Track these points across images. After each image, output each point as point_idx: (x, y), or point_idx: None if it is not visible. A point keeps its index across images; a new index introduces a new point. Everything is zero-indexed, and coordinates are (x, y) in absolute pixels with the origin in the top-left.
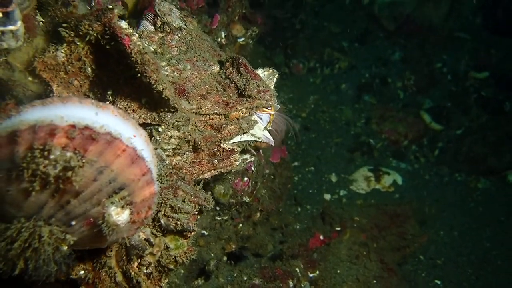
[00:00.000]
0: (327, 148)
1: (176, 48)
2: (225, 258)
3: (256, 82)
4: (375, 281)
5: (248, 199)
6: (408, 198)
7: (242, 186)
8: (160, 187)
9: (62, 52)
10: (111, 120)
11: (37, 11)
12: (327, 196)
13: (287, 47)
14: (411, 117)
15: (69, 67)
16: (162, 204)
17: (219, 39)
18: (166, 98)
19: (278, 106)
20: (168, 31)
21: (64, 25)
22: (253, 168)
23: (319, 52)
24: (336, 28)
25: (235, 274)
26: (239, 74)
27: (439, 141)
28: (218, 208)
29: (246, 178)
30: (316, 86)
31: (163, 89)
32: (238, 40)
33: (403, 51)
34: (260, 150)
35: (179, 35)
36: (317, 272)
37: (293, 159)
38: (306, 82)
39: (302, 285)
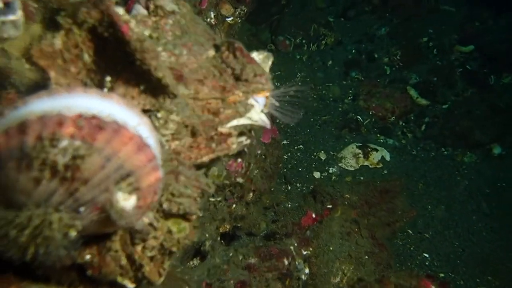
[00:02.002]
0: (315, 126)
1: (170, 33)
2: (219, 239)
3: (252, 66)
4: (366, 257)
5: (242, 180)
6: (396, 174)
7: (236, 167)
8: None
9: (59, 40)
10: (116, 109)
11: None
12: (317, 174)
13: (273, 23)
14: (398, 92)
15: (66, 54)
16: (165, 190)
17: (208, 20)
18: (165, 84)
19: (273, 87)
20: (162, 15)
21: (62, 13)
22: (246, 150)
23: (305, 28)
24: (322, 3)
25: (231, 254)
26: (235, 59)
27: (426, 116)
28: (211, 192)
29: (239, 160)
30: (303, 63)
31: (162, 76)
32: (227, 19)
33: (389, 26)
34: (252, 131)
35: (173, 19)
36: (311, 249)
37: (282, 138)
38: (293, 59)
39: (297, 262)
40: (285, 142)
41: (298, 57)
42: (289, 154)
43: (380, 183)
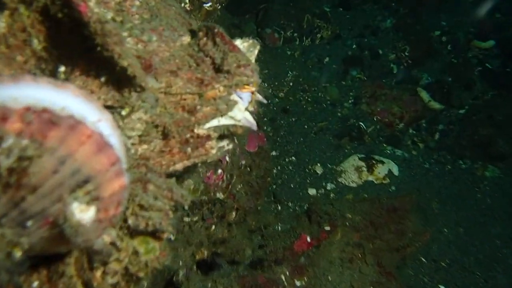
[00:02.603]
0: (310, 134)
1: (137, 16)
2: (196, 267)
3: (235, 55)
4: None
5: (222, 196)
6: (406, 190)
7: (215, 180)
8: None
9: (2, 22)
10: (73, 101)
11: None
12: (312, 191)
13: (259, 13)
14: (406, 95)
15: (11, 39)
16: (130, 201)
17: (182, 5)
18: (132, 75)
19: (260, 81)
20: None
21: None
22: (227, 159)
23: (297, 19)
24: None
25: (209, 285)
26: (215, 46)
27: (440, 123)
28: (186, 207)
29: (220, 171)
30: (295, 60)
31: (128, 64)
32: (204, 5)
33: (395, 17)
34: (235, 137)
35: (140, 0)
36: (305, 279)
37: (271, 148)
38: (283, 56)
39: None
40: (274, 153)
41: (289, 53)
42: (279, 167)
43: (387, 201)
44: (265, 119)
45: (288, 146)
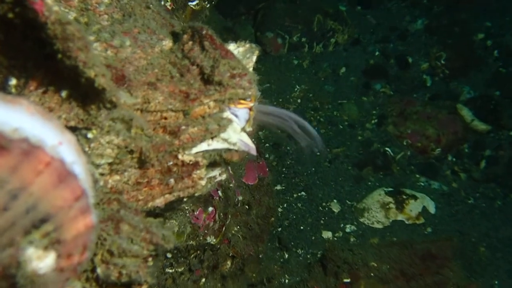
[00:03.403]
0: (323, 163)
1: (106, 16)
2: None
3: (228, 63)
4: None
5: (214, 240)
6: (445, 232)
7: (205, 220)
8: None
9: None
10: (27, 120)
11: None
12: (328, 234)
13: (257, 13)
14: (443, 113)
15: None
16: (99, 245)
17: (162, 3)
18: (100, 88)
19: (259, 94)
20: None
21: None
22: (220, 193)
23: (306, 20)
24: None
25: None
26: (204, 52)
27: (486, 148)
28: (169, 255)
29: (210, 208)
30: (303, 71)
31: (95, 75)
32: (190, 4)
33: (427, 17)
34: (229, 166)
35: None
36: None
37: (275, 181)
38: (288, 66)
39: None
40: (279, 187)
41: (295, 62)
42: (285, 205)
43: (422, 246)
44: (267, 144)
45: (296, 178)
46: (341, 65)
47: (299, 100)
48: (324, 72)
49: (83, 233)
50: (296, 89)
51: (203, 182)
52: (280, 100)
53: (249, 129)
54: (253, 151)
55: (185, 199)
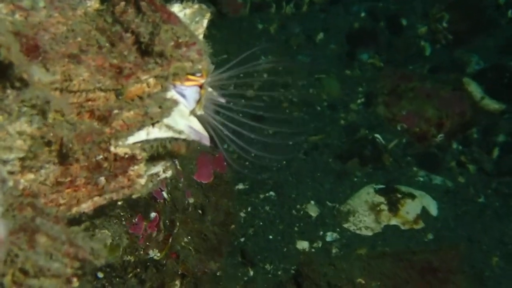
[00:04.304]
0: (298, 155)
1: None
2: None
3: (172, 29)
4: None
5: (159, 255)
6: (450, 239)
7: (146, 229)
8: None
9: None
10: None
11: None
12: (303, 245)
13: None
14: (447, 89)
15: None
16: (9, 263)
17: None
18: (6, 62)
19: (212, 67)
20: None
21: None
22: (165, 195)
23: None
24: None
25: None
26: (140, 14)
27: (500, 132)
28: (100, 274)
29: (153, 214)
30: (271, 38)
31: (0, 45)
32: None
33: None
34: (176, 161)
35: None
36: None
37: (236, 178)
38: (251, 31)
39: None
40: (241, 186)
41: (260, 27)
42: (249, 209)
43: (421, 256)
44: (225, 132)
45: (263, 174)
46: (318, 30)
47: (265, 75)
48: (296, 38)
49: None
50: (261, 60)
51: (142, 181)
52: (241, 75)
53: (199, 112)
54: (206, 141)
55: (119, 203)
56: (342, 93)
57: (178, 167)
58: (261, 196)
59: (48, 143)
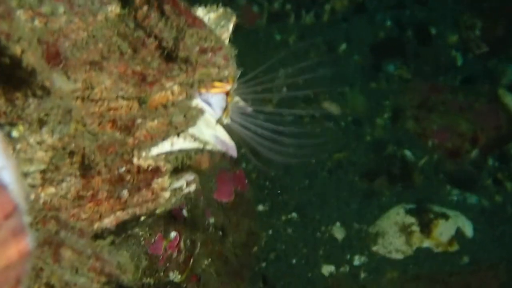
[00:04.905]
0: (321, 173)
1: None
2: None
3: (197, 33)
4: None
5: (179, 277)
6: (488, 261)
7: (166, 249)
8: None
9: None
10: None
11: None
12: (329, 269)
13: None
14: (481, 101)
15: None
16: (34, 278)
17: None
18: (29, 69)
19: (238, 73)
20: None
21: None
22: (185, 213)
23: None
24: None
25: None
26: (164, 19)
27: None
28: None
29: (173, 234)
30: (289, 49)
31: (22, 51)
32: None
33: None
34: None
35: None
36: None
37: (255, 195)
38: (269, 43)
39: None
40: (261, 207)
41: (278, 38)
42: (270, 231)
43: (457, 278)
44: (244, 148)
45: (285, 195)
46: (340, 41)
47: (284, 88)
48: (317, 50)
49: (16, 262)
50: (280, 72)
51: (166, 194)
52: (259, 89)
53: (226, 121)
54: (233, 151)
55: (142, 218)
56: (368, 107)
57: (198, 183)
58: (283, 218)
59: (70, 154)
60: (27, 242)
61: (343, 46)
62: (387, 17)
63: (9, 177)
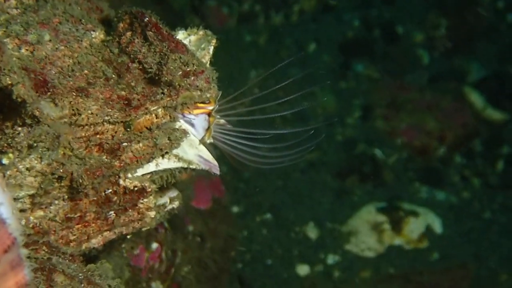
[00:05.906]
0: (293, 174)
1: (14, 2)
2: None
3: (180, 58)
4: None
5: (161, 286)
6: (457, 258)
7: (148, 261)
8: None
9: None
10: None
11: None
12: (304, 269)
13: None
14: (447, 99)
15: None
16: None
17: None
18: (19, 99)
19: (219, 93)
20: None
21: None
22: (165, 224)
23: None
24: None
25: None
26: (147, 45)
27: (504, 143)
28: None
29: (155, 245)
30: (260, 50)
31: (12, 83)
32: None
33: None
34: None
35: None
36: None
37: (231, 199)
38: (239, 44)
39: None
40: (236, 208)
41: (248, 38)
42: (245, 233)
43: (429, 277)
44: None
45: (259, 196)
46: (309, 41)
47: (256, 90)
48: (287, 50)
49: None
50: (251, 74)
51: (152, 214)
52: (230, 89)
53: (209, 140)
54: (216, 170)
55: (128, 237)
56: (338, 106)
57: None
58: (258, 219)
59: (58, 179)
60: (24, 274)
61: (313, 46)
62: (355, 17)
63: (7, 212)
